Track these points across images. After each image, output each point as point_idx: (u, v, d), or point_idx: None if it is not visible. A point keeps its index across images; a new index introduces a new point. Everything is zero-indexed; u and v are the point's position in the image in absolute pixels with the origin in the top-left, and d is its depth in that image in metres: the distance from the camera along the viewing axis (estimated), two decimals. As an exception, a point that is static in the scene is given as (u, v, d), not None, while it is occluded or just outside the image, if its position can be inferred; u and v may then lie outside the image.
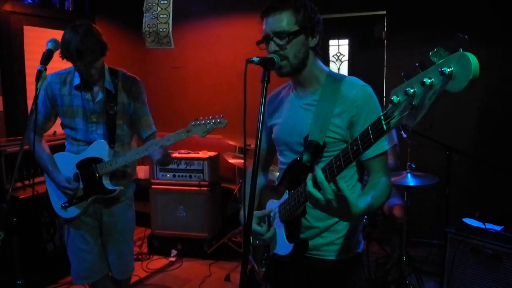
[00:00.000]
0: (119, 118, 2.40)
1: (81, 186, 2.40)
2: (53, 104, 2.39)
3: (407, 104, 1.01)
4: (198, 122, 2.16)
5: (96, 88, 2.36)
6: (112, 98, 2.36)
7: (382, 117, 1.09)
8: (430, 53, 0.97)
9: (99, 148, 2.36)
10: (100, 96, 2.35)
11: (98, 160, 2.35)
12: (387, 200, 1.54)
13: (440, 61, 0.95)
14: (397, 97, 1.04)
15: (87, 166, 2.37)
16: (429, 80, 0.95)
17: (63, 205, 2.42)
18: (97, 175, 2.36)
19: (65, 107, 2.37)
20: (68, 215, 2.43)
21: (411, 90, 0.99)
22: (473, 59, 0.88)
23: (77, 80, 2.32)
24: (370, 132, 1.13)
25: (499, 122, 4.14)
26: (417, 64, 1.00)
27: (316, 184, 1.28)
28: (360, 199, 1.38)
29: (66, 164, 2.42)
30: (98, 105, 2.36)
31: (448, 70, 0.91)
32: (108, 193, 2.38)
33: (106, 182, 2.38)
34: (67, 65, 2.31)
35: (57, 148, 2.58)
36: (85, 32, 2.13)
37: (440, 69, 0.92)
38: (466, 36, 0.92)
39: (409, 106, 1.00)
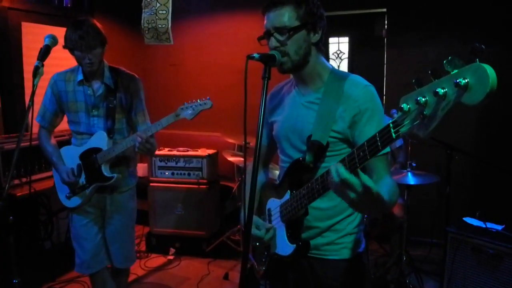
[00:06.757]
0: (118, 112, 2.55)
1: (83, 176, 2.54)
2: (58, 100, 2.54)
3: (418, 113, 0.98)
4: (186, 106, 2.37)
5: (97, 84, 2.51)
6: (111, 93, 2.52)
7: (391, 125, 1.06)
8: (444, 61, 0.93)
9: (99, 139, 2.51)
10: (100, 91, 2.50)
11: (98, 150, 2.50)
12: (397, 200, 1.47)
13: (454, 71, 0.91)
14: (407, 105, 1.01)
15: (89, 156, 2.52)
16: (442, 91, 0.91)
17: (67, 195, 2.56)
18: (97, 164, 2.49)
19: (70, 103, 2.52)
20: (72, 204, 2.58)
21: (423, 99, 0.95)
22: (490, 71, 0.84)
23: (80, 76, 2.48)
24: (378, 139, 1.10)
25: (500, 121, 4.12)
26: (429, 72, 0.96)
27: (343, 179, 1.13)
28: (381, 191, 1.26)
29: (71, 156, 2.57)
30: (98, 99, 2.51)
31: (464, 81, 0.87)
32: (106, 180, 2.50)
33: (105, 170, 2.51)
34: (66, 61, 2.34)
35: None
36: (89, 24, 2.35)
37: (455, 80, 0.88)
38: (483, 46, 0.88)
39: (420, 115, 0.97)
